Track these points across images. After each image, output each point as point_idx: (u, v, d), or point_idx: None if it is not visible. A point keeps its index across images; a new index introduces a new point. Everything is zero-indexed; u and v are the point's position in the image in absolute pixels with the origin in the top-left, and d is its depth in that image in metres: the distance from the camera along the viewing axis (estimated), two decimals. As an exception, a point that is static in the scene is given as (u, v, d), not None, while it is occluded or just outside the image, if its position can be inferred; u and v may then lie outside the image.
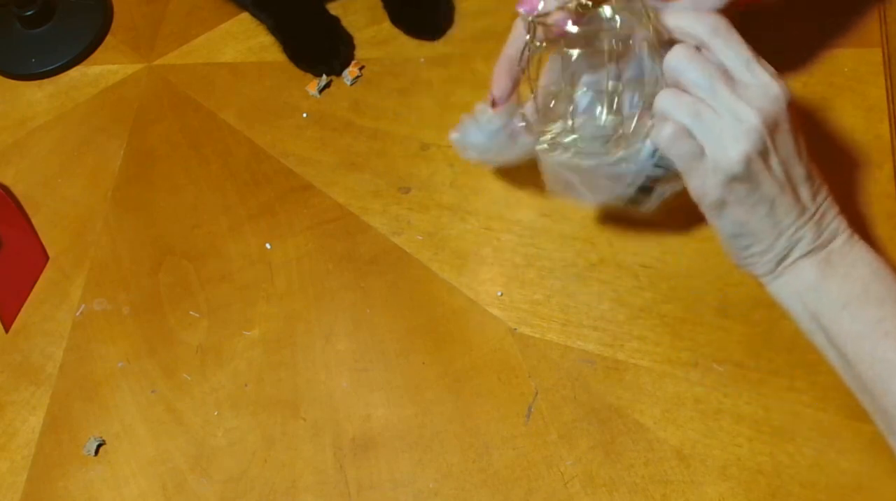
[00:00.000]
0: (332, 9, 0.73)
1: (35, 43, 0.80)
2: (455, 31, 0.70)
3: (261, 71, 0.73)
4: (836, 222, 0.47)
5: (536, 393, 0.53)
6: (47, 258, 0.67)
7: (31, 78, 0.79)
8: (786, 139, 0.45)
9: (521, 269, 0.58)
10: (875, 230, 0.54)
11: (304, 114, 0.69)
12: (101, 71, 0.78)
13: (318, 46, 0.72)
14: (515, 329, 0.56)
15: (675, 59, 0.45)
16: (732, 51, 0.45)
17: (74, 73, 0.78)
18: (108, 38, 0.80)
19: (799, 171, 0.46)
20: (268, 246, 0.63)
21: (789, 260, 0.47)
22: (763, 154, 0.44)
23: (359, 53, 0.71)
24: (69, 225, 0.69)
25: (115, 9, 0.82)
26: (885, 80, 0.58)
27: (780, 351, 0.51)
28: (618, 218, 0.58)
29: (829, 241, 0.47)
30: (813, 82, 0.60)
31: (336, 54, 0.70)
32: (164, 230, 0.67)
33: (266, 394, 0.57)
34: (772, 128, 0.44)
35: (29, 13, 0.79)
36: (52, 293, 0.65)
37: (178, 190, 0.68)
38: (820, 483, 0.48)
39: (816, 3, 0.63)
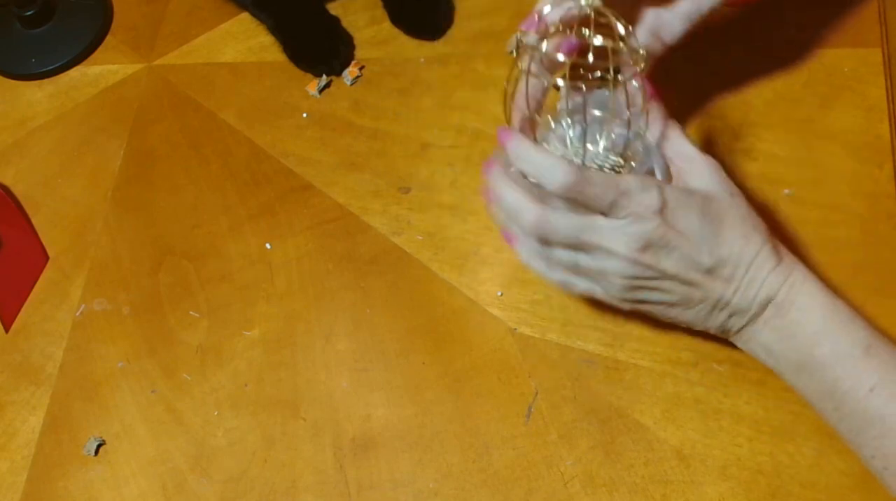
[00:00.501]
0: (332, 9, 0.73)
1: (35, 43, 0.80)
2: (455, 31, 0.70)
3: (261, 71, 0.73)
4: (765, 289, 0.45)
5: (536, 393, 0.53)
6: (47, 258, 0.67)
7: (31, 78, 0.79)
8: (666, 253, 0.45)
9: (521, 269, 0.58)
10: (875, 230, 0.54)
11: (304, 114, 0.69)
12: (101, 71, 0.78)
13: (318, 46, 0.72)
14: (515, 329, 0.56)
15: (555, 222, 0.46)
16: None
17: (74, 73, 0.78)
18: (108, 38, 0.80)
19: (693, 276, 0.45)
20: (268, 246, 0.63)
21: (734, 330, 0.48)
22: (643, 278, 0.46)
23: (359, 53, 0.71)
24: (69, 225, 0.69)
25: (115, 9, 0.82)
26: (885, 80, 0.58)
27: (780, 351, 0.51)
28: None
29: (762, 311, 0.46)
30: (813, 82, 0.60)
31: (336, 54, 0.70)
32: (164, 230, 0.67)
33: (266, 394, 0.57)
34: (643, 251, 0.45)
35: (29, 13, 0.79)
36: (52, 293, 0.65)
37: (178, 190, 0.68)
38: (820, 483, 0.48)
39: (816, 3, 0.63)
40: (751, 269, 0.45)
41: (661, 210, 0.44)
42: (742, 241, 0.45)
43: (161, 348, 0.61)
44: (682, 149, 0.49)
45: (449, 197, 0.62)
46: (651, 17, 0.51)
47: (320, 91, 0.70)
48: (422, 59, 0.69)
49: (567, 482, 0.50)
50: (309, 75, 0.71)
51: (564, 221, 0.45)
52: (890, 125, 0.57)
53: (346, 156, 0.66)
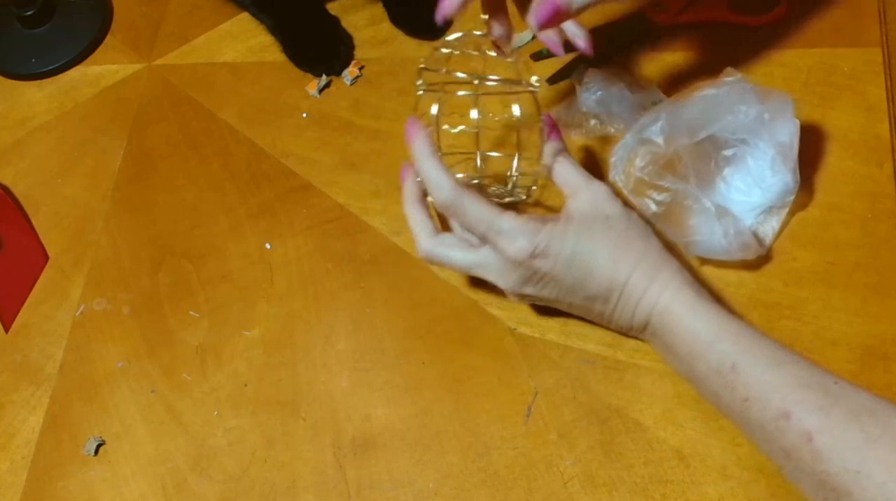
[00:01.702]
0: (332, 9, 0.73)
1: (35, 43, 0.80)
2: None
3: (261, 71, 0.73)
4: (639, 312, 0.49)
5: (536, 393, 0.53)
6: (47, 258, 0.67)
7: (31, 78, 0.79)
8: (542, 286, 0.50)
9: (520, 269, 0.58)
10: (875, 230, 0.54)
11: (304, 114, 0.69)
12: (101, 71, 0.78)
13: (318, 46, 0.72)
14: (515, 329, 0.56)
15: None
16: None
17: (74, 72, 0.78)
18: (108, 38, 0.81)
19: (572, 300, 0.50)
20: (268, 246, 0.63)
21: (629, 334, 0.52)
22: (529, 289, 0.50)
23: (359, 53, 0.71)
24: (69, 225, 0.69)
25: (115, 9, 0.82)
26: (885, 79, 0.58)
27: (780, 351, 0.51)
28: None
29: (644, 328, 0.49)
30: (813, 82, 0.60)
31: (336, 54, 0.70)
32: (164, 230, 0.67)
33: (266, 394, 0.57)
34: (523, 283, 0.50)
35: (29, 13, 0.79)
36: (52, 293, 0.65)
37: (178, 190, 0.68)
38: (820, 483, 0.48)
39: (816, 3, 0.63)
40: (623, 294, 0.48)
41: (532, 255, 0.48)
42: (611, 269, 0.48)
43: (161, 348, 0.61)
44: (568, 179, 0.52)
45: (449, 197, 0.62)
46: None
47: (320, 91, 0.70)
48: (422, 59, 0.69)
49: (567, 482, 0.50)
50: (309, 75, 0.71)
51: (474, 210, 0.49)
52: (890, 125, 0.57)
53: (346, 156, 0.66)
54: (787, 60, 0.61)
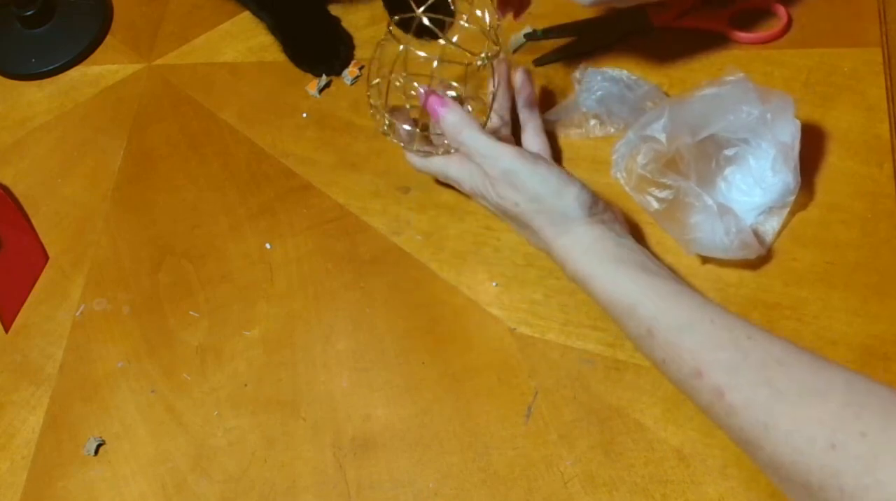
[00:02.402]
0: (332, 9, 0.73)
1: (35, 43, 0.80)
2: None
3: (261, 71, 0.73)
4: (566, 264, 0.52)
5: (536, 393, 0.53)
6: (47, 258, 0.67)
7: (31, 78, 0.79)
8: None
9: (521, 269, 0.58)
10: (875, 230, 0.54)
11: (304, 114, 0.69)
12: (101, 71, 0.78)
13: (318, 46, 0.72)
14: (515, 328, 0.56)
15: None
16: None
17: (74, 72, 0.79)
18: (108, 38, 0.81)
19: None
20: (268, 246, 0.63)
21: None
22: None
23: (359, 53, 0.71)
24: (69, 225, 0.69)
25: (115, 9, 0.82)
26: (885, 79, 0.58)
27: (780, 351, 0.51)
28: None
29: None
30: (813, 81, 0.60)
31: (336, 54, 0.70)
32: (164, 230, 0.67)
33: (266, 394, 0.57)
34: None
35: (29, 13, 0.79)
36: (52, 293, 0.65)
37: (178, 190, 0.68)
38: (820, 483, 0.48)
39: (816, 3, 0.63)
40: (550, 248, 0.53)
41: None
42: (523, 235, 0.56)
43: (161, 348, 0.61)
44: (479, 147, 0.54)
45: (448, 196, 0.62)
46: None
47: (320, 91, 0.70)
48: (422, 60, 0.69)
49: (567, 482, 0.50)
50: (309, 75, 0.71)
51: (451, 117, 0.55)
52: (890, 125, 0.57)
53: (346, 156, 0.66)
54: (788, 60, 0.61)
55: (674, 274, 0.50)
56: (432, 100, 0.56)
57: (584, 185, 0.52)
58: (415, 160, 0.60)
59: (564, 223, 0.51)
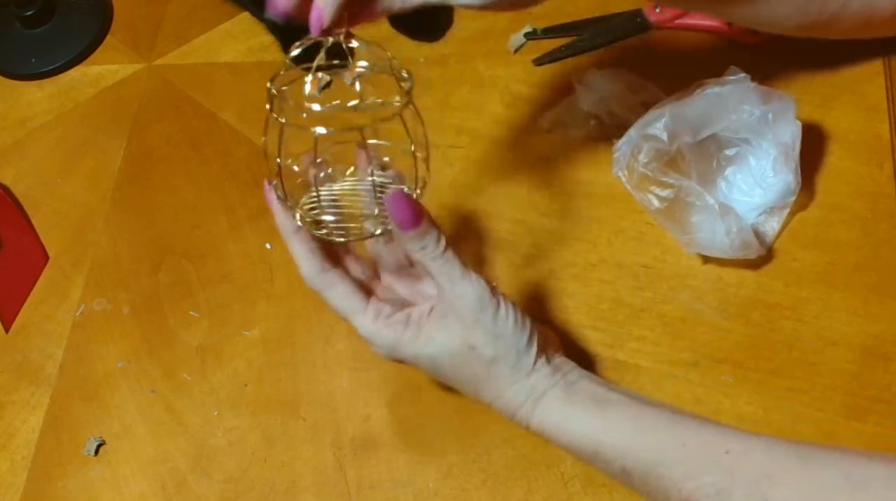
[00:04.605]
0: (332, 9, 0.73)
1: (35, 43, 0.80)
2: (455, 32, 0.69)
3: (261, 71, 0.73)
4: (517, 419, 0.46)
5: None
6: (47, 258, 0.67)
7: (31, 78, 0.79)
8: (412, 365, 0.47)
9: (521, 269, 0.58)
10: (875, 230, 0.54)
11: (304, 115, 0.69)
12: (101, 71, 0.78)
13: (318, 46, 0.71)
14: (515, 329, 0.56)
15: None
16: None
17: (74, 72, 0.78)
18: (108, 37, 0.81)
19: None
20: (268, 246, 0.63)
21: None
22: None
23: (359, 53, 0.71)
24: (69, 225, 0.69)
25: (115, 9, 0.82)
26: (885, 79, 0.58)
27: (780, 351, 0.51)
28: (618, 218, 0.58)
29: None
30: (813, 82, 0.60)
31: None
32: (164, 230, 0.67)
33: (266, 394, 0.57)
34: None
35: (29, 13, 0.79)
36: (52, 293, 0.65)
37: (178, 190, 0.68)
38: (820, 483, 0.48)
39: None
40: (493, 407, 0.47)
41: (391, 358, 0.47)
42: (475, 390, 0.46)
43: (161, 348, 0.61)
44: (439, 276, 0.45)
45: (448, 197, 0.62)
46: None
47: (320, 91, 0.70)
48: (422, 59, 0.69)
49: (567, 482, 0.50)
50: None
51: (333, 303, 0.47)
52: (890, 125, 0.57)
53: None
54: (788, 60, 0.61)
55: (628, 392, 0.46)
56: (395, 203, 0.43)
57: (532, 321, 0.47)
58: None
59: (517, 371, 0.45)
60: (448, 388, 0.54)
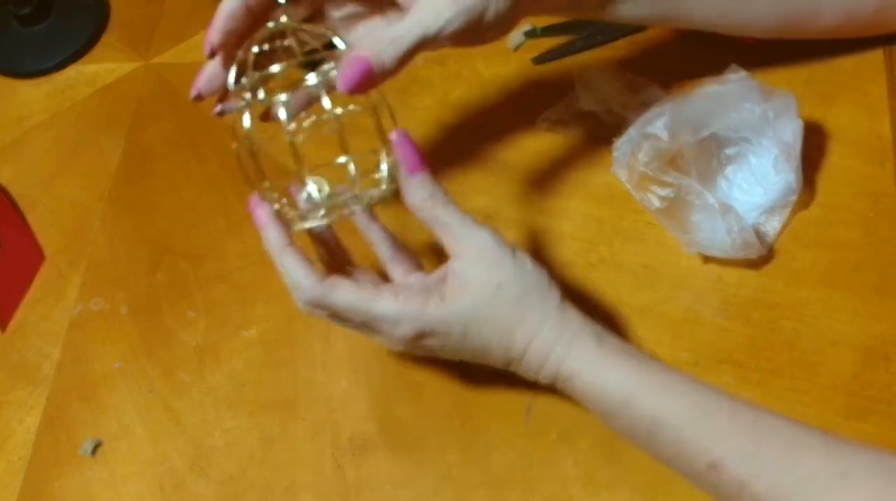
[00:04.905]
0: (331, 7, 0.73)
1: (32, 41, 0.80)
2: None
3: (259, 69, 0.72)
4: (543, 374, 0.45)
5: (536, 393, 0.53)
6: (44, 257, 0.67)
7: (27, 76, 0.79)
8: (436, 345, 0.45)
9: (520, 269, 0.57)
10: (877, 230, 0.54)
11: (304, 112, 0.69)
12: (99, 69, 0.78)
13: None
14: (515, 328, 0.55)
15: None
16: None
17: (71, 71, 0.78)
18: (106, 36, 0.80)
19: (468, 359, 0.47)
20: (266, 245, 0.63)
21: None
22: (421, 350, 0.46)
23: (357, 52, 0.71)
24: (66, 224, 0.69)
25: (113, 7, 0.82)
26: (887, 78, 0.58)
27: (780, 351, 0.51)
28: (618, 218, 0.58)
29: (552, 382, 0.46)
30: (814, 81, 0.59)
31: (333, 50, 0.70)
32: (162, 229, 0.66)
33: (264, 394, 0.57)
34: (415, 341, 0.45)
35: (26, 11, 0.79)
36: (49, 292, 0.65)
37: (176, 189, 0.68)
38: (821, 484, 0.48)
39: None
40: (523, 363, 0.46)
41: (418, 337, 0.45)
42: (506, 346, 0.45)
43: (159, 348, 0.60)
44: (445, 232, 0.45)
45: (448, 196, 0.62)
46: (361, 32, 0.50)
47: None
48: (421, 59, 0.69)
49: (567, 482, 0.50)
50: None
51: (345, 302, 0.44)
52: (891, 124, 0.57)
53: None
54: (789, 59, 0.61)
55: (658, 359, 0.46)
56: (402, 142, 0.44)
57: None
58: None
59: (545, 308, 0.45)
60: (448, 387, 0.54)
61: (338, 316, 0.46)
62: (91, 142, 0.73)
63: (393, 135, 0.44)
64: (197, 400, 0.58)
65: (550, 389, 0.47)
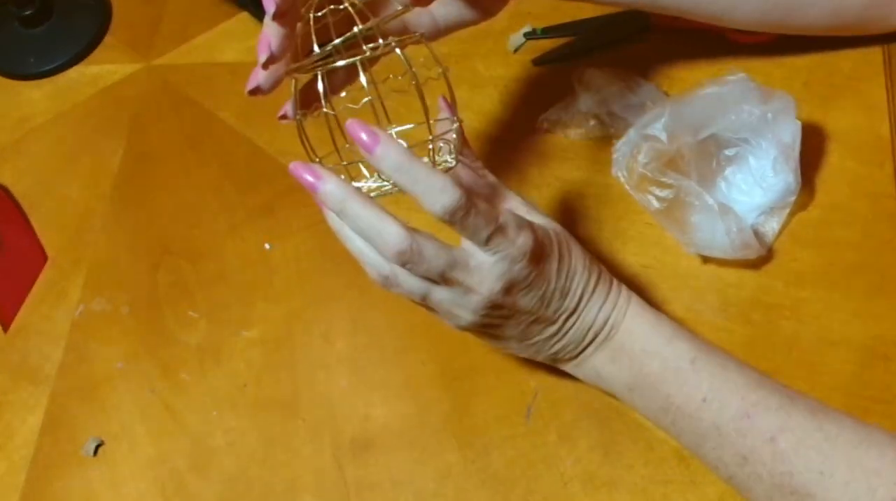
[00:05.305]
0: (332, 8, 0.73)
1: (34, 42, 0.80)
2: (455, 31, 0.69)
3: (260, 70, 0.73)
4: (600, 316, 0.46)
5: (536, 393, 0.53)
6: (46, 258, 0.67)
7: (29, 77, 0.79)
8: (525, 293, 0.44)
9: (520, 269, 0.58)
10: (876, 230, 0.54)
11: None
12: (100, 70, 0.78)
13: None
14: (515, 329, 0.56)
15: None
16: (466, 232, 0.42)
17: (73, 72, 0.78)
18: (107, 37, 0.80)
19: (543, 313, 0.45)
20: (266, 246, 0.63)
21: (565, 358, 0.48)
22: (494, 314, 0.44)
23: (358, 53, 0.71)
24: (68, 224, 0.69)
25: (114, 8, 0.82)
26: (886, 79, 0.58)
27: (780, 351, 0.51)
28: (618, 218, 0.58)
29: (594, 337, 0.47)
30: (813, 81, 0.59)
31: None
32: (163, 230, 0.66)
33: (265, 394, 0.57)
34: (506, 293, 0.43)
35: (28, 13, 0.79)
36: (51, 293, 0.65)
37: (177, 189, 0.68)
38: (820, 484, 0.48)
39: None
40: (591, 299, 0.47)
41: (532, 251, 0.42)
42: (584, 274, 0.46)
43: (160, 348, 0.61)
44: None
45: (448, 196, 0.62)
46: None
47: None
48: (421, 59, 0.69)
49: (567, 482, 0.50)
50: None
51: (434, 254, 0.41)
52: (890, 125, 0.57)
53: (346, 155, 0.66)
54: (787, 60, 0.61)
55: None
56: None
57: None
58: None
59: (594, 272, 0.47)
60: (448, 387, 0.54)
61: (423, 267, 0.42)
62: (93, 143, 0.73)
63: (441, 103, 0.49)
64: (198, 400, 0.58)
65: (559, 367, 0.49)
